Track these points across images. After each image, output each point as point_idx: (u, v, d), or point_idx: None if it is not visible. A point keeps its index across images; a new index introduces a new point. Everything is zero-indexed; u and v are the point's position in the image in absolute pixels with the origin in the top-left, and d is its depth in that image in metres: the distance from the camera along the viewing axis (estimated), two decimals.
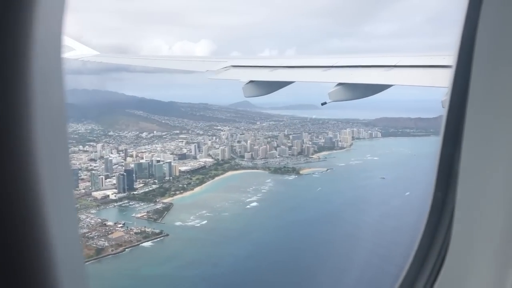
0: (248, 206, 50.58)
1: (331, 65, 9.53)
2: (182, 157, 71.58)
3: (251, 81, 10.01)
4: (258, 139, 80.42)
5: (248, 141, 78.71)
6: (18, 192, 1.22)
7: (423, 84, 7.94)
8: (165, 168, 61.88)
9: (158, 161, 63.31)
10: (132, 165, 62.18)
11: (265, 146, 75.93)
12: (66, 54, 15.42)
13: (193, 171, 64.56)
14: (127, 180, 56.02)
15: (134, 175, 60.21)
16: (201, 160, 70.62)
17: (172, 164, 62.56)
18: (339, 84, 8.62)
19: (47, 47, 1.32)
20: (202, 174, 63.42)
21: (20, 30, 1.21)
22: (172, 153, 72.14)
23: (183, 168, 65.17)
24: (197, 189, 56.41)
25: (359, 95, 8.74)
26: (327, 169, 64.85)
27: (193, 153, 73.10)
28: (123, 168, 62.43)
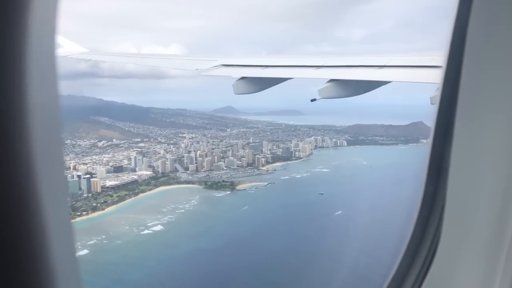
0: (146, 231, 43.94)
1: (322, 64, 9.65)
2: (119, 169, 66.06)
3: (242, 78, 9.91)
4: (217, 148, 74.75)
5: (198, 152, 73.04)
6: (16, 192, 1.24)
7: (413, 81, 8.05)
8: (84, 184, 56.02)
9: (79, 175, 57.55)
10: None
11: (210, 157, 69.87)
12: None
13: (120, 187, 58.59)
14: None
15: None
16: (138, 173, 65.02)
17: (91, 179, 56.65)
18: (330, 80, 8.58)
19: (42, 46, 1.33)
20: (127, 190, 57.34)
21: (16, 29, 1.21)
22: (113, 165, 66.76)
23: (109, 183, 59.28)
24: (109, 209, 50.15)
25: (349, 93, 8.68)
26: (267, 184, 58.15)
27: (132, 165, 67.77)
28: None
